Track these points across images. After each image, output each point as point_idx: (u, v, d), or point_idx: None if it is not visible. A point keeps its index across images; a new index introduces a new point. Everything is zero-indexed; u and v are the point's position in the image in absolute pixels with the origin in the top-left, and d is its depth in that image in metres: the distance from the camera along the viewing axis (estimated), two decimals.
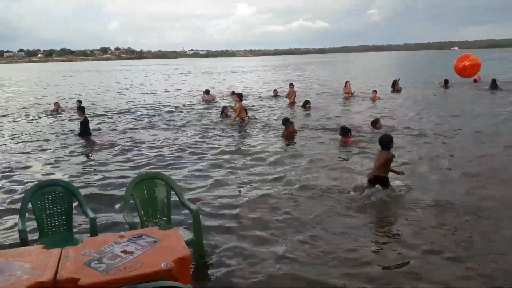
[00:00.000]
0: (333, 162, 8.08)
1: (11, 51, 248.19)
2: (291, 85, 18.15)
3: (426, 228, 4.99)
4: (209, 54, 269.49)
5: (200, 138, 10.88)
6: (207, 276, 4.01)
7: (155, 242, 3.08)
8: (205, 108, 16.84)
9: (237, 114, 12.69)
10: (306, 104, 15.84)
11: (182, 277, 2.71)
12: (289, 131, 10.53)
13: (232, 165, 8.06)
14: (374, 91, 17.97)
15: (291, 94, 17.47)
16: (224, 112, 13.84)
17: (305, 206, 5.80)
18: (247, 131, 11.74)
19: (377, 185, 6.01)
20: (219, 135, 11.16)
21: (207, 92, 20.20)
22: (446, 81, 22.70)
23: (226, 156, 8.78)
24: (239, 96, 13.12)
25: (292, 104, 17.04)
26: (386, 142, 6.06)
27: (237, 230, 5.06)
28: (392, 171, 6.17)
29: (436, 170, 7.26)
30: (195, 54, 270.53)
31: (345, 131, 9.47)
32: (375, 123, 10.89)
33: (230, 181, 7.08)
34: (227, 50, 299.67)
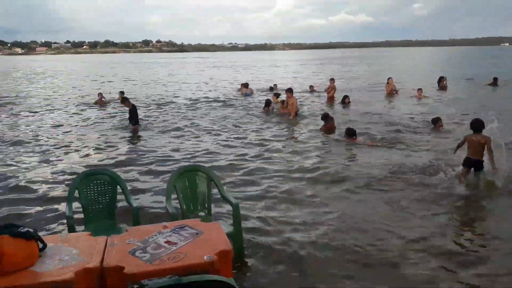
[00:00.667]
0: (376, 159, 7.89)
1: (58, 43, 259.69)
2: (332, 80, 17.85)
3: None
4: (248, 48, 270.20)
5: (239, 131, 10.93)
6: (246, 270, 4.00)
7: (198, 234, 3.10)
8: (245, 101, 16.91)
9: (294, 110, 12.59)
10: (345, 99, 15.52)
11: (224, 270, 2.71)
12: (328, 127, 10.38)
13: (272, 159, 8.04)
14: (420, 89, 17.23)
15: (331, 89, 17.19)
16: (269, 105, 13.76)
17: (346, 201, 5.73)
18: (288, 125, 11.66)
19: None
20: (259, 129, 11.16)
21: (246, 85, 20.25)
22: (495, 79, 21.60)
23: (265, 150, 8.77)
24: (291, 92, 13.04)
25: (331, 99, 16.77)
26: (480, 125, 6.18)
27: (276, 224, 5.03)
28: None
29: None
30: (234, 48, 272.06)
31: (350, 132, 9.25)
32: (435, 122, 10.45)
33: (269, 175, 7.05)
34: (266, 44, 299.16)
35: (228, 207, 5.29)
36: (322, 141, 9.61)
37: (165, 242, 2.96)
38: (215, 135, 10.55)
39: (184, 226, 3.22)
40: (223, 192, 4.36)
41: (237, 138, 10.12)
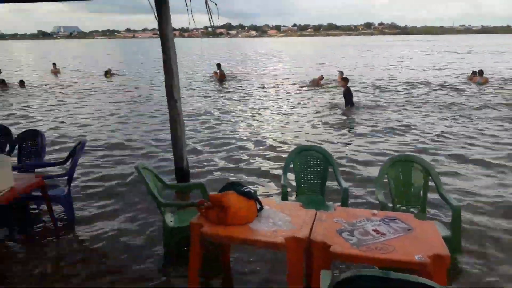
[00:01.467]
0: None
1: (286, 26, 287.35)
2: None
3: None
4: (484, 30, 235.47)
5: (469, 124, 9.68)
6: (462, 282, 3.51)
7: (409, 230, 2.86)
8: (477, 91, 14.89)
9: None
10: None
11: (438, 277, 2.42)
12: None
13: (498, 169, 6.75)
14: None
15: None
16: None
17: None
18: None
19: None
20: (495, 125, 9.58)
21: (480, 72, 17.73)
22: None
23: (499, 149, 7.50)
24: None
25: None
26: None
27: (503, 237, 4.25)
28: None
29: None
30: (467, 30, 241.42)
31: None
32: None
33: (501, 180, 6.01)
34: (509, 26, 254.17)
35: (441, 205, 4.78)
36: None
37: (373, 231, 2.83)
38: (440, 123, 9.66)
39: (395, 219, 3.02)
40: (442, 190, 3.90)
41: (464, 132, 8.93)
